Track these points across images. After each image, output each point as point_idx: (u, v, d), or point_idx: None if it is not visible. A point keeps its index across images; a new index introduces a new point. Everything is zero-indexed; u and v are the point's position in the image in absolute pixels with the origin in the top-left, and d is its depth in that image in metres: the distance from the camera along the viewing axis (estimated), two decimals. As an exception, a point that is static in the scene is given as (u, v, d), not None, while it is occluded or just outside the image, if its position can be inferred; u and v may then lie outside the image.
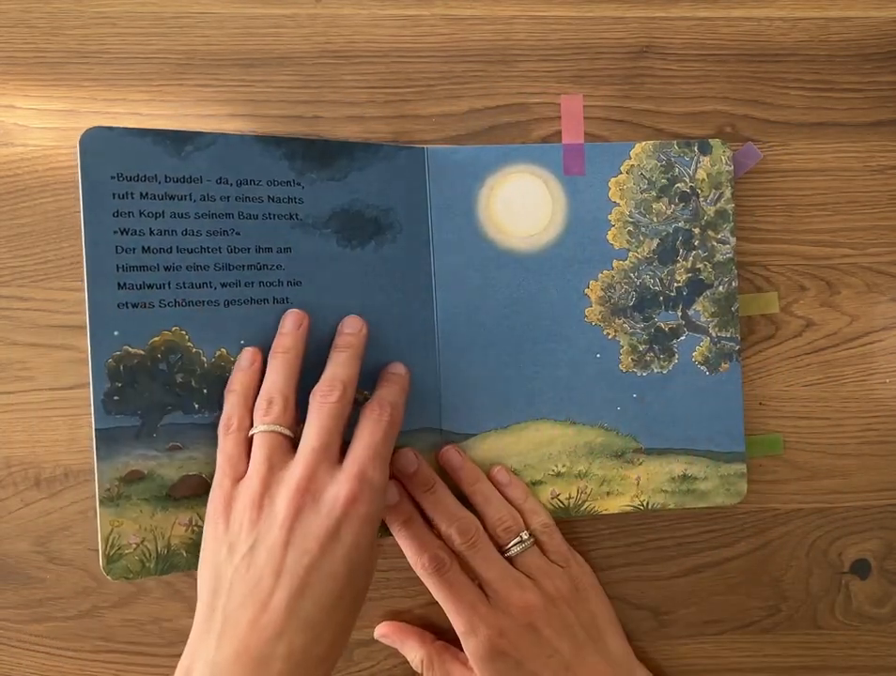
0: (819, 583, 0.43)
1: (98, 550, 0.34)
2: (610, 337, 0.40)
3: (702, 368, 0.41)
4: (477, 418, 0.39)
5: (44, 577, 0.39)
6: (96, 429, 0.34)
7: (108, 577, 0.34)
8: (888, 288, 0.43)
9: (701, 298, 0.41)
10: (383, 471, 0.32)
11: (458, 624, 0.36)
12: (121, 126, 0.35)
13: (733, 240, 0.41)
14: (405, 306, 0.38)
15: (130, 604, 0.40)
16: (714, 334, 0.41)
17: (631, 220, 0.40)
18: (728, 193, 0.41)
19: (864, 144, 0.43)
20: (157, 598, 0.40)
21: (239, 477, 0.32)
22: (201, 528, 0.34)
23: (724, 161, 0.40)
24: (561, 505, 0.40)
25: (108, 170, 0.34)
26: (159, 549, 0.34)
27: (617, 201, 0.40)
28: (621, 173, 0.40)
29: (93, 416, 0.34)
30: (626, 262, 0.40)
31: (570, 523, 0.41)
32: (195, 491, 0.35)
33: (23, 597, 0.39)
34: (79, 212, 0.34)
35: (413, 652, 0.39)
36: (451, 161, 0.39)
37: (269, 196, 0.36)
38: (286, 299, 0.36)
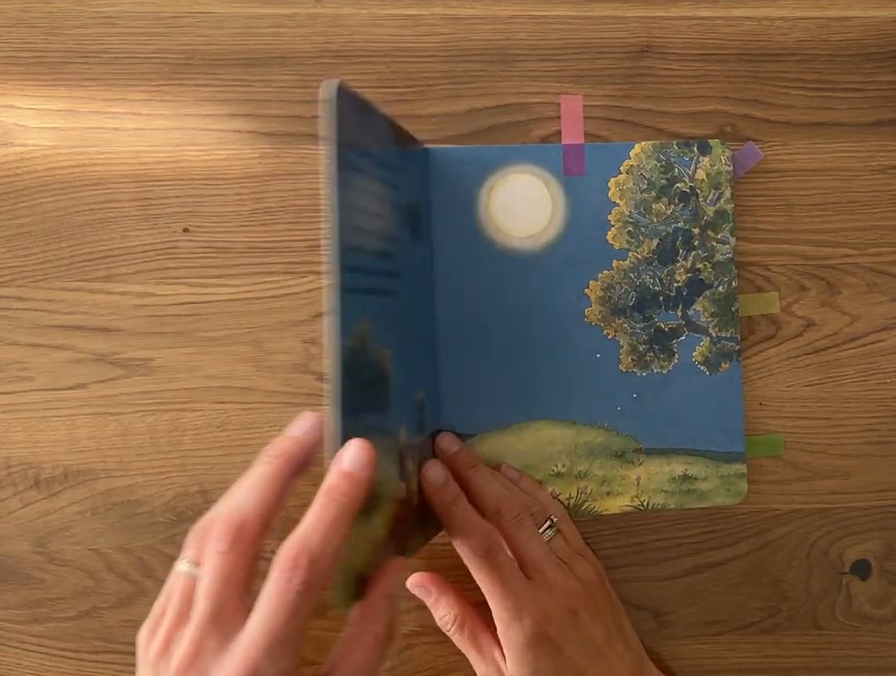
0: (819, 584, 0.43)
1: (338, 586, 0.27)
2: (610, 337, 0.40)
3: (702, 368, 0.41)
4: (477, 418, 0.39)
5: (44, 578, 0.39)
6: (343, 434, 0.27)
7: (344, 611, 0.28)
8: (889, 288, 0.43)
9: (701, 298, 0.41)
10: (286, 659, 0.25)
11: (503, 610, 0.35)
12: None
13: (732, 240, 0.41)
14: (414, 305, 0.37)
15: (129, 604, 0.40)
16: (714, 334, 0.41)
17: (631, 220, 0.40)
18: (727, 193, 0.40)
19: (864, 144, 0.42)
20: (156, 599, 0.40)
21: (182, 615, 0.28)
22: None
23: (723, 162, 0.40)
24: (561, 505, 0.40)
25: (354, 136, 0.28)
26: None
27: (617, 201, 0.40)
28: (621, 173, 0.40)
29: (339, 418, 0.27)
30: (626, 262, 0.40)
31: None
32: (370, 503, 0.29)
33: (23, 597, 0.39)
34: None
35: (449, 608, 0.38)
36: (451, 160, 0.39)
37: (390, 182, 0.32)
38: (396, 291, 0.33)
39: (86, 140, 0.39)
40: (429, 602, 0.38)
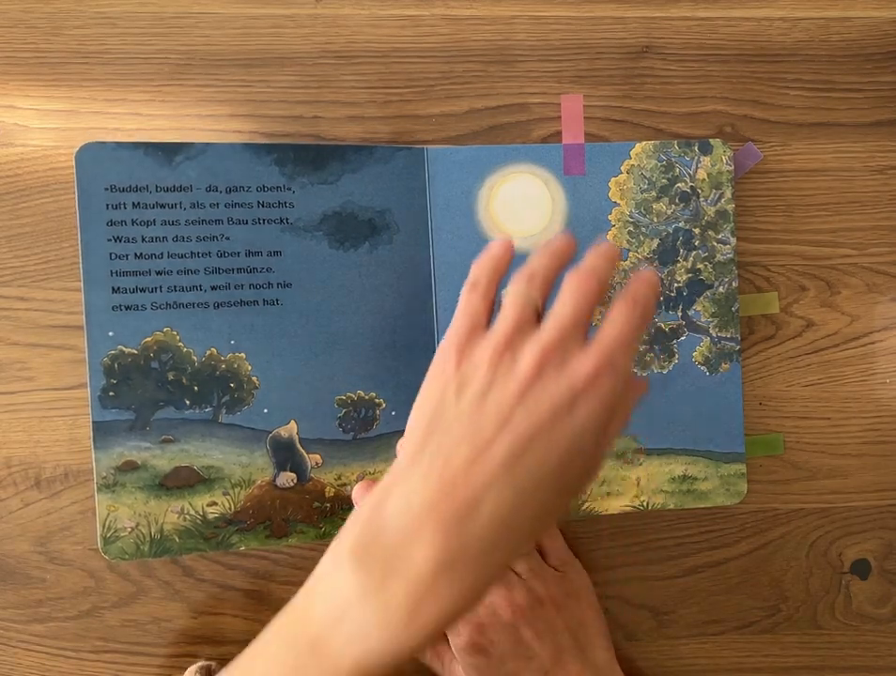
0: (819, 583, 0.43)
1: (97, 536, 0.36)
2: (610, 337, 0.40)
3: (702, 368, 0.41)
4: (477, 418, 0.39)
5: (44, 577, 0.39)
6: (93, 422, 0.36)
7: (106, 557, 0.37)
8: (889, 288, 0.43)
9: (701, 298, 0.41)
10: (629, 362, 0.29)
11: None
12: (114, 140, 0.38)
13: (733, 241, 0.41)
14: (403, 306, 0.38)
15: (130, 604, 0.40)
16: (714, 334, 0.41)
17: (631, 220, 0.40)
18: (728, 194, 0.41)
19: (864, 144, 0.42)
20: (157, 598, 0.40)
21: (478, 326, 0.30)
22: (192, 516, 0.37)
23: (724, 161, 0.40)
24: (561, 505, 0.40)
25: (102, 182, 0.36)
26: (152, 534, 0.37)
27: (617, 201, 0.40)
28: (621, 173, 0.40)
29: (90, 410, 0.36)
30: (627, 262, 0.40)
31: (570, 523, 0.41)
32: (187, 481, 0.37)
33: (23, 597, 0.39)
34: (77, 213, 0.34)
35: None
36: (451, 161, 0.39)
37: (258, 202, 0.37)
38: (277, 300, 0.38)
39: (87, 140, 0.39)
40: None
